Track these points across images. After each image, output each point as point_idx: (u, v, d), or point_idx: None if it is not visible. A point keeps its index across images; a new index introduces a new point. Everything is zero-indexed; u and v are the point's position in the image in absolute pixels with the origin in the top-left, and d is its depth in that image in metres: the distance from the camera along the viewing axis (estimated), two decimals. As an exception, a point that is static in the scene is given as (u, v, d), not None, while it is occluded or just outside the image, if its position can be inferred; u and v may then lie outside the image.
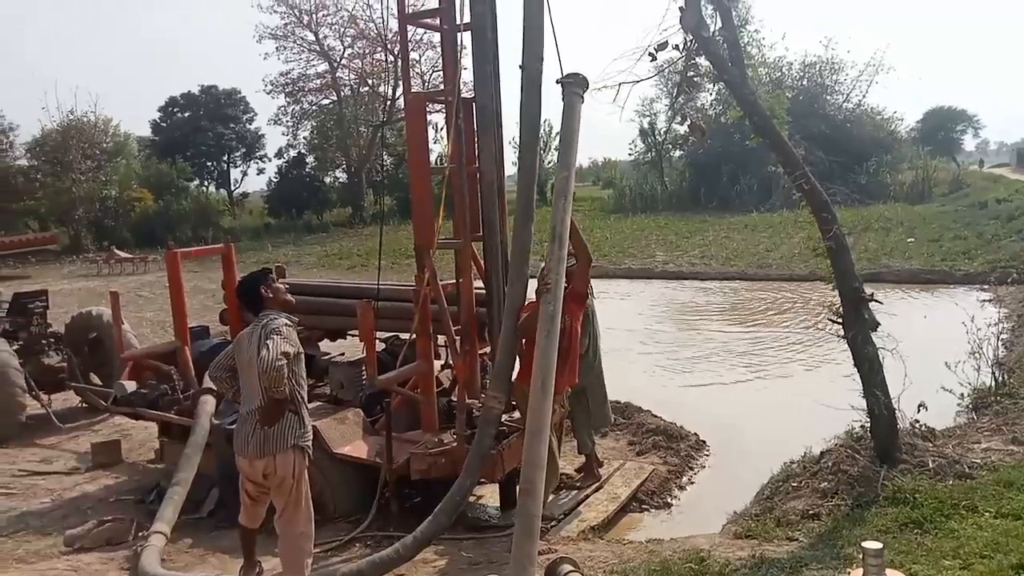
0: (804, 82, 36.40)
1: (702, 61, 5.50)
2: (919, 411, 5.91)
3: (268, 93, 38.76)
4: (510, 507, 5.82)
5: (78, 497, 6.59)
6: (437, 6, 5.74)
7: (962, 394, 7.17)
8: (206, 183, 45.77)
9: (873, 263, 16.91)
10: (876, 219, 23.21)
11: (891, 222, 22.94)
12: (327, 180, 41.14)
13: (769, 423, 8.02)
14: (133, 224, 34.74)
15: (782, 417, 8.18)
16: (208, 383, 6.03)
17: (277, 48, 37.02)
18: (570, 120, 4.96)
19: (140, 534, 5.42)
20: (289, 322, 4.26)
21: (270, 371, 3.93)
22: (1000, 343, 7.39)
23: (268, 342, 4.01)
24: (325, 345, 7.52)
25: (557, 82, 5.00)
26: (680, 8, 5.22)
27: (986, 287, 13.74)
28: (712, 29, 5.37)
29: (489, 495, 6.11)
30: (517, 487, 5.77)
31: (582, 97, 5.04)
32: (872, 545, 2.97)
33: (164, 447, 6.73)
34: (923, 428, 5.95)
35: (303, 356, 4.33)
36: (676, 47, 5.43)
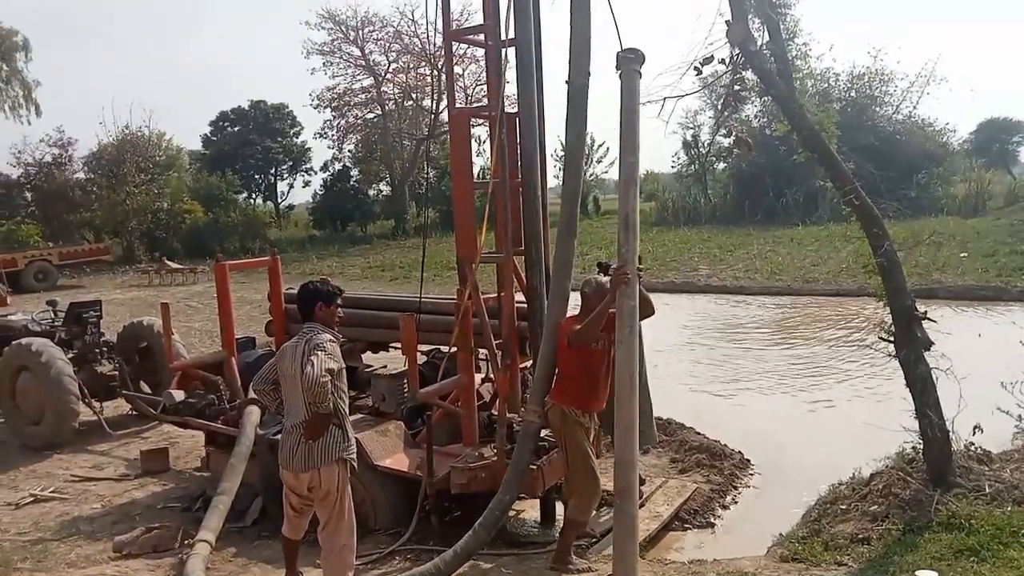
0: (852, 94, 35.66)
1: (749, 75, 5.43)
2: (974, 433, 5.72)
3: (315, 107, 39.27)
4: (550, 522, 5.79)
5: (127, 503, 6.75)
6: (482, 23, 5.79)
7: (1020, 416, 6.91)
8: (254, 196, 46.75)
9: (925, 279, 16.44)
10: (928, 233, 22.56)
11: (943, 236, 22.23)
12: (371, 193, 41.57)
13: (816, 443, 7.85)
14: (183, 236, 35.51)
15: (830, 437, 7.99)
16: (253, 394, 6.14)
17: (324, 63, 37.68)
18: (630, 99, 4.76)
19: (186, 542, 5.54)
20: (333, 338, 4.30)
21: (314, 388, 3.98)
22: (1060, 363, 7.09)
23: (313, 358, 4.05)
24: (367, 357, 7.59)
25: (617, 55, 4.87)
26: (727, 22, 5.17)
27: (1045, 304, 13.28)
28: (759, 43, 5.30)
29: (529, 510, 6.07)
30: (557, 502, 5.76)
31: (640, 73, 4.91)
32: (927, 574, 2.89)
33: (210, 456, 6.85)
34: (978, 451, 5.76)
35: (344, 370, 4.38)
36: (722, 61, 5.36)
